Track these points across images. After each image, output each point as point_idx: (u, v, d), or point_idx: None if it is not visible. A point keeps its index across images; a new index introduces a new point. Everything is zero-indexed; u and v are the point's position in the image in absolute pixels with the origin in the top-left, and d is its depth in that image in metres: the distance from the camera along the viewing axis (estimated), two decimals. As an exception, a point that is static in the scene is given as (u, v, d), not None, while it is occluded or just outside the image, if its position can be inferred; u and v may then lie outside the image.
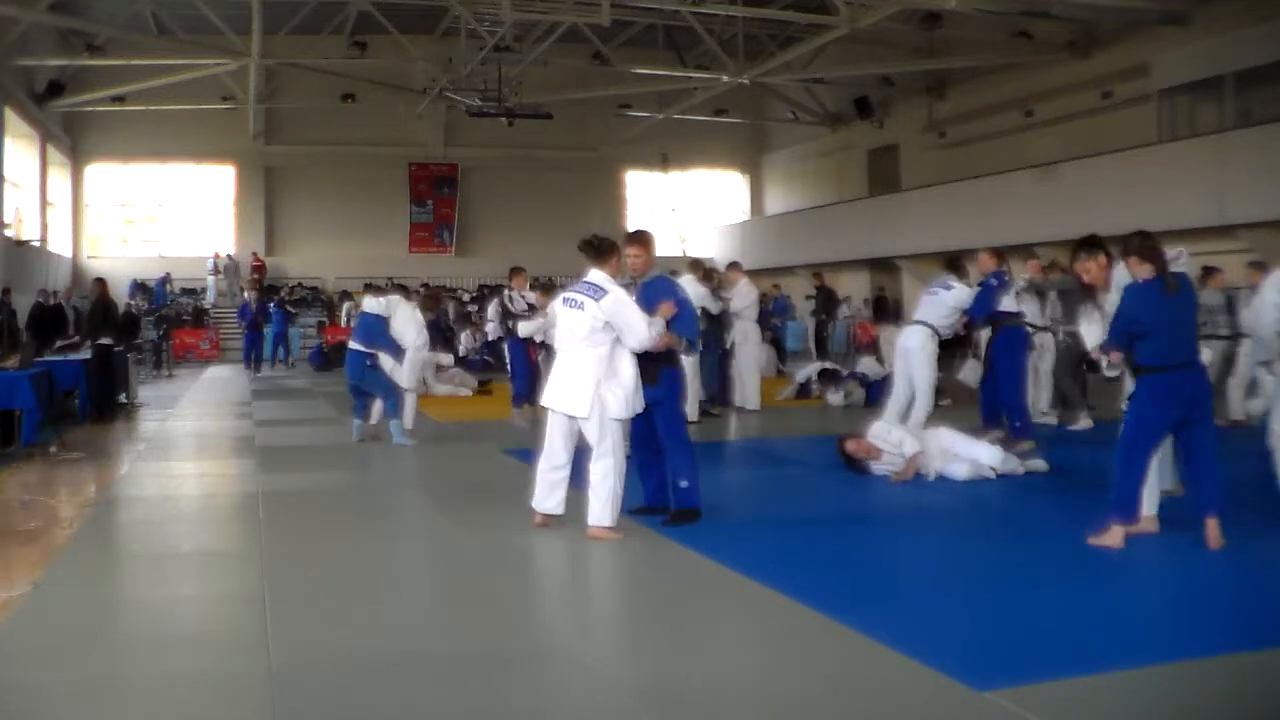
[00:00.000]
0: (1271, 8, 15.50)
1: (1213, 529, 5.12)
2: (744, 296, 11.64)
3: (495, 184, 27.87)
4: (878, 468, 7.45)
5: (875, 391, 12.04)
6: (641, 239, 6.11)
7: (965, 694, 3.41)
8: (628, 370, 5.61)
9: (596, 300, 5.53)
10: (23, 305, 17.10)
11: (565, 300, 5.75)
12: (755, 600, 4.69)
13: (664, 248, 23.79)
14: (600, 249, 5.73)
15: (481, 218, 27.96)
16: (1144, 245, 5.18)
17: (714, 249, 28.82)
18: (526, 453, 8.51)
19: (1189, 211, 15.19)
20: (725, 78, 22.15)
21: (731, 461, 9.04)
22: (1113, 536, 5.16)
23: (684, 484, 5.88)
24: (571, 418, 5.67)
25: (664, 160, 28.51)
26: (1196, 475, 5.29)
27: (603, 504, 5.61)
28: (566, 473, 5.78)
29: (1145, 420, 5.23)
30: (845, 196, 25.95)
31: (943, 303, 8.73)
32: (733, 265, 12.47)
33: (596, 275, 5.66)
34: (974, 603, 4.50)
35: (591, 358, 5.56)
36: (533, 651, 3.99)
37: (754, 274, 20.57)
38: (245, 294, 21.22)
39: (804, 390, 13.03)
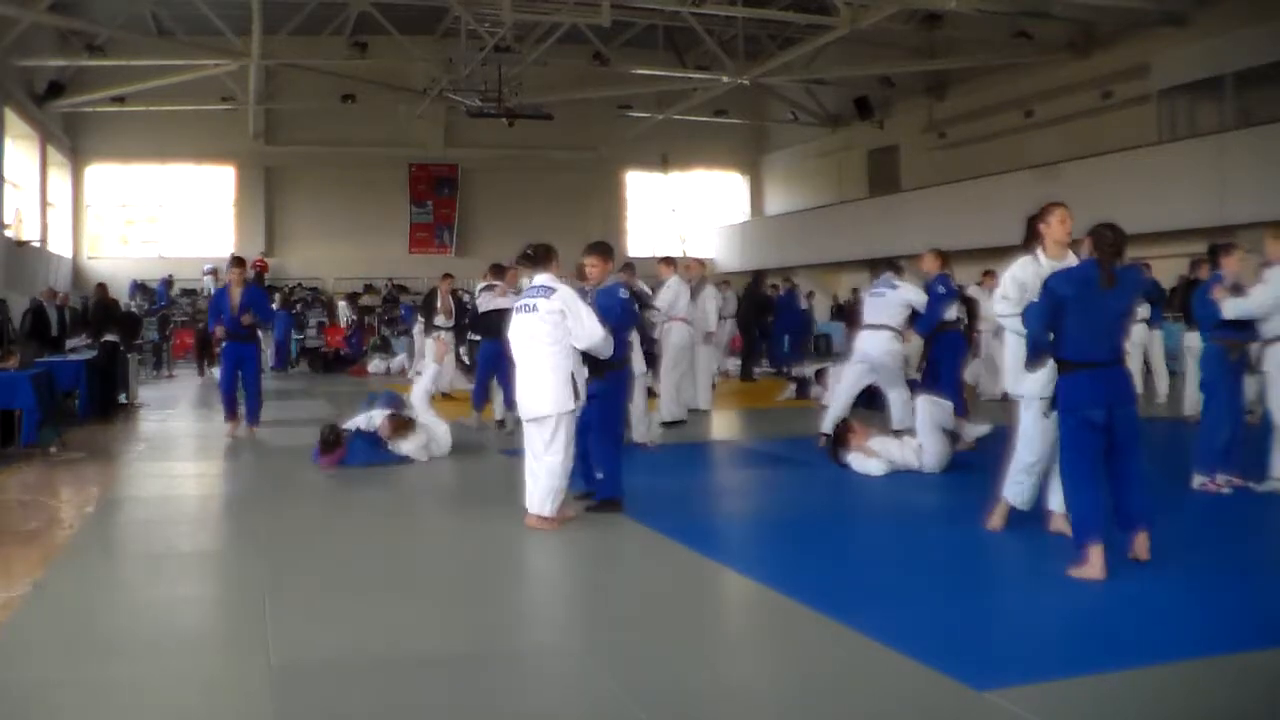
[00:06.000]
0: (1271, 8, 15.49)
1: (1141, 543, 4.90)
2: (669, 295, 10.80)
3: (495, 184, 27.86)
4: (859, 464, 7.55)
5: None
6: (598, 250, 6.59)
7: (965, 694, 3.41)
8: (578, 366, 5.95)
9: (547, 298, 5.85)
10: (18, 306, 17.04)
11: (518, 307, 6.06)
12: (755, 600, 4.69)
13: (664, 248, 23.82)
14: (537, 256, 6.09)
15: (482, 218, 27.93)
16: (1110, 233, 4.89)
17: (714, 249, 28.88)
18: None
19: (1189, 211, 15.20)
20: (725, 78, 22.13)
21: (729, 462, 9.04)
22: (1091, 566, 4.72)
23: (600, 475, 6.25)
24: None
25: (664, 160, 28.50)
26: (1120, 488, 4.92)
27: (543, 496, 5.89)
28: None
29: (1070, 429, 4.91)
30: (845, 197, 25.94)
31: (893, 303, 8.63)
32: (663, 260, 11.72)
33: (542, 277, 5.99)
34: (973, 602, 4.50)
35: (548, 357, 5.84)
36: (532, 651, 4.00)
37: (763, 275, 20.62)
38: (231, 289, 10.39)
39: (804, 391, 13.03)
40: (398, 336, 20.84)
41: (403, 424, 8.46)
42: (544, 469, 5.89)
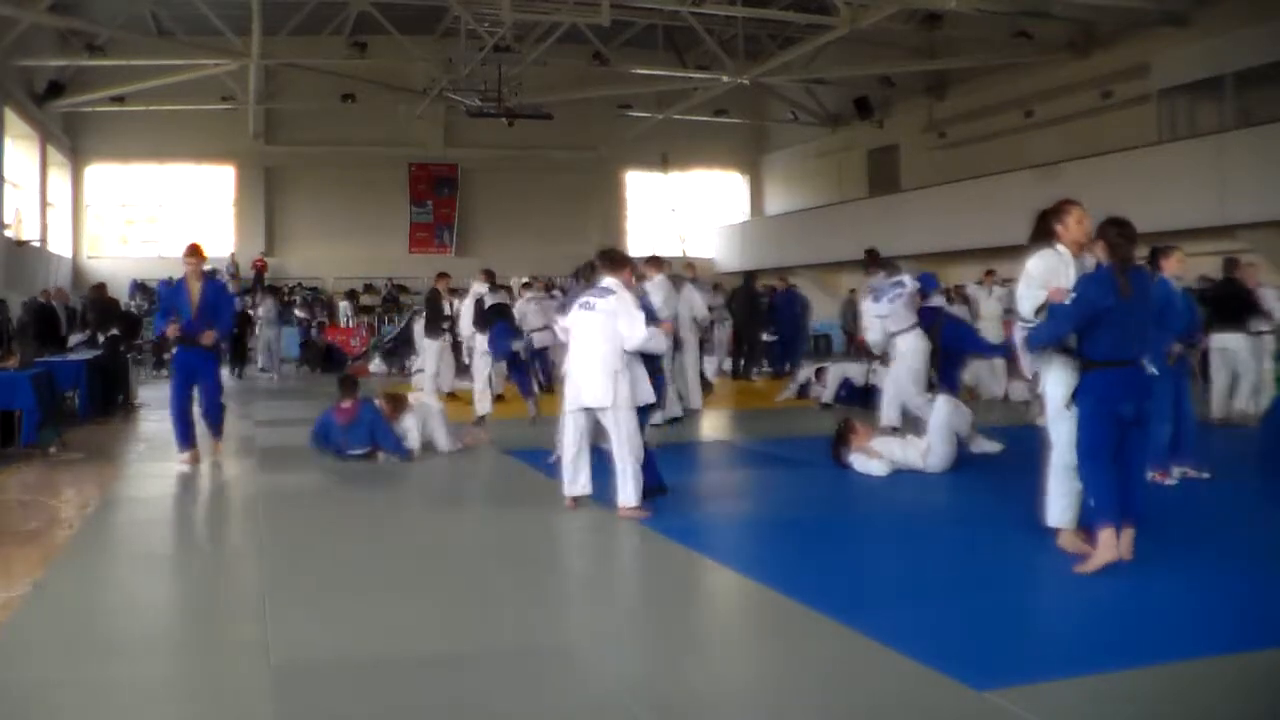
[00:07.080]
0: (1271, 8, 15.49)
1: (1128, 539, 4.86)
2: (657, 296, 10.29)
3: (495, 184, 27.86)
4: (861, 465, 7.55)
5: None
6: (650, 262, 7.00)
7: (965, 694, 3.41)
8: (637, 365, 6.32)
9: (604, 299, 6.28)
10: (19, 306, 17.03)
11: (580, 305, 6.45)
12: (756, 600, 4.69)
13: (664, 248, 23.80)
14: (615, 261, 6.57)
15: (482, 218, 27.95)
16: (1118, 235, 4.87)
17: (714, 249, 28.89)
18: (526, 453, 8.56)
19: (1189, 211, 15.19)
20: (725, 78, 22.13)
21: (728, 462, 9.03)
22: (1105, 548, 4.77)
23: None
24: (590, 410, 6.24)
25: (664, 160, 28.49)
26: (1125, 481, 4.91)
27: (626, 486, 6.15)
28: (587, 458, 6.37)
29: (1099, 420, 4.87)
30: (845, 196, 25.94)
31: (909, 296, 8.79)
32: (649, 260, 11.23)
33: (609, 281, 6.38)
34: (973, 603, 4.49)
35: (606, 353, 6.19)
36: (533, 651, 3.99)
37: (754, 275, 20.64)
38: (189, 283, 8.42)
39: (804, 391, 13.02)
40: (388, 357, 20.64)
41: (400, 402, 8.93)
42: (619, 460, 6.17)
